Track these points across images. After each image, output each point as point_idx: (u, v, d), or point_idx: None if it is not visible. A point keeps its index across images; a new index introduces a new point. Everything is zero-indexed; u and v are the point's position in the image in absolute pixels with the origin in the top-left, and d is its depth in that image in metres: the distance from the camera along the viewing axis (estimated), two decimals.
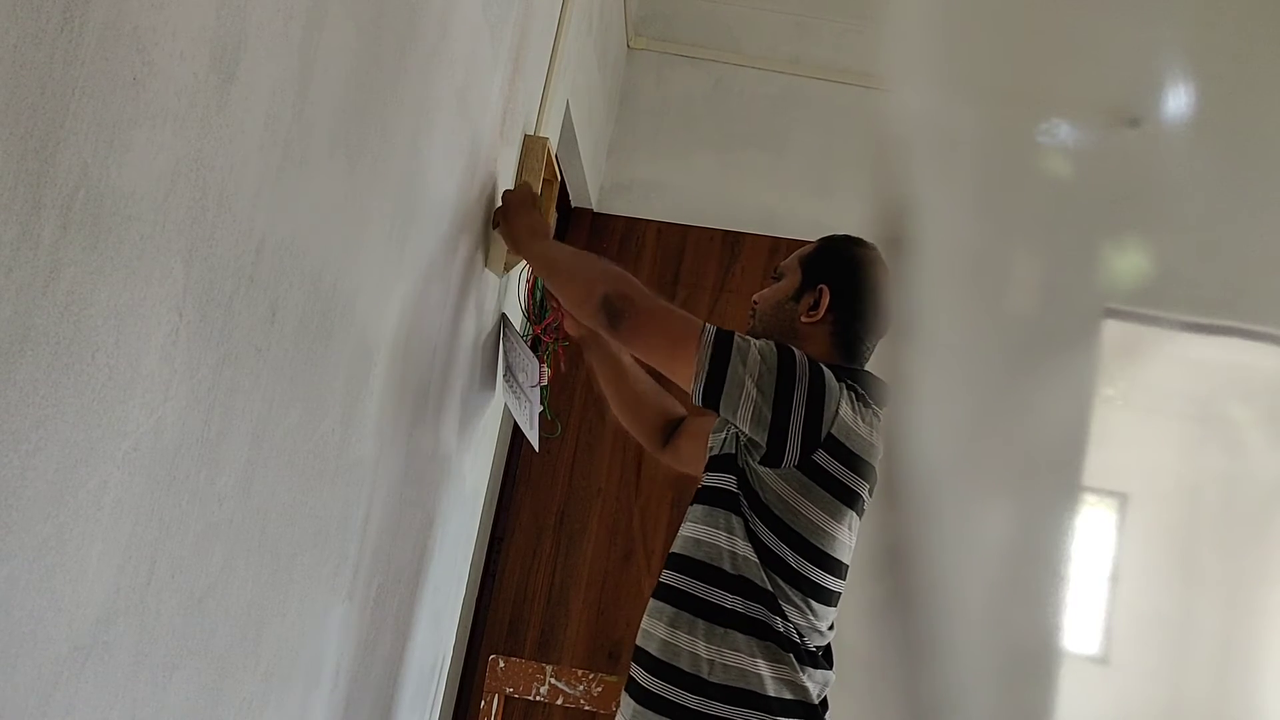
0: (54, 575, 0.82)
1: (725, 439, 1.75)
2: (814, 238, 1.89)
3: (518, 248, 1.98)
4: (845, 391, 1.66)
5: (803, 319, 1.80)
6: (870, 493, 1.67)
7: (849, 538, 1.68)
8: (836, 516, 1.65)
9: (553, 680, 2.31)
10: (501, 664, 2.33)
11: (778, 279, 1.88)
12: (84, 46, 0.75)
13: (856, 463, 1.65)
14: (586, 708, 2.31)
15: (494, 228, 2.00)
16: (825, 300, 1.78)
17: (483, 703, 2.32)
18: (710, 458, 1.76)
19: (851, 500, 1.66)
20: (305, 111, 1.12)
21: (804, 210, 3.69)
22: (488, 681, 2.33)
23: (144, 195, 0.86)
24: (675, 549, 1.74)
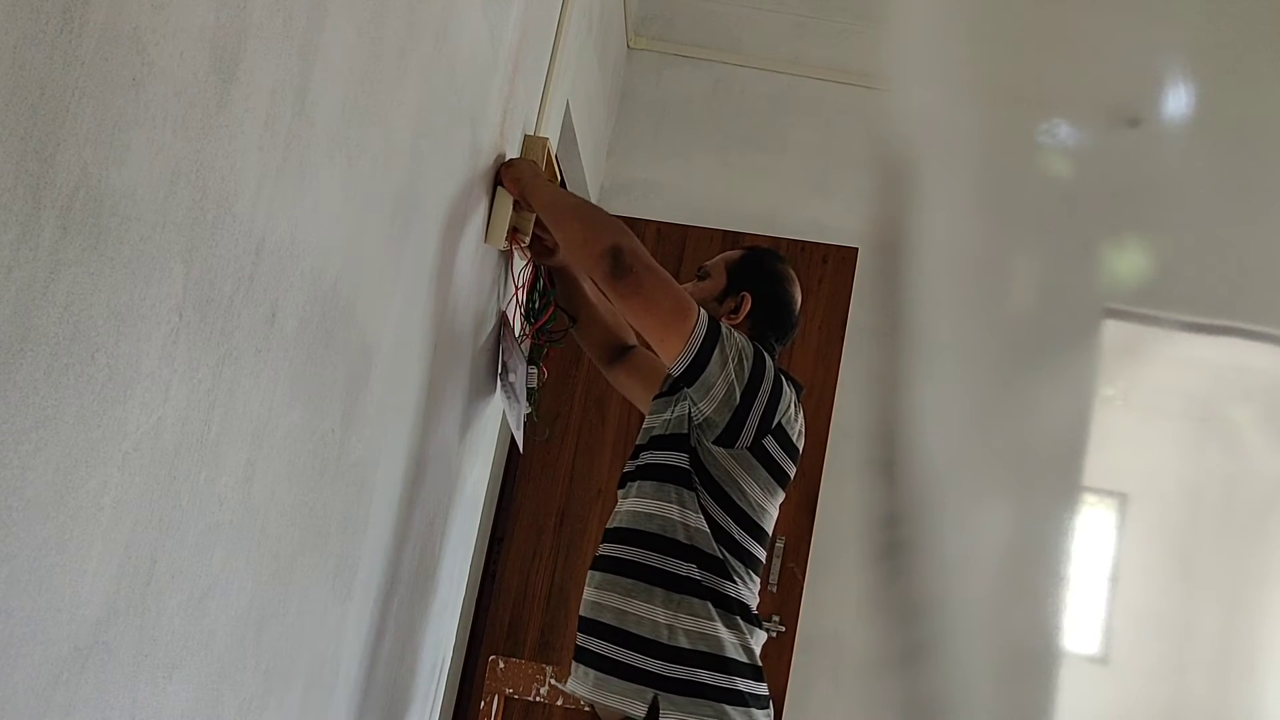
0: (54, 575, 0.82)
1: (670, 420, 1.87)
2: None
3: (523, 187, 1.98)
4: (792, 393, 1.88)
5: (723, 320, 1.92)
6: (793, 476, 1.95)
7: (776, 513, 1.90)
8: (773, 495, 1.85)
9: (553, 681, 2.31)
10: (501, 664, 2.34)
11: (702, 278, 2.01)
12: (84, 47, 0.75)
13: (793, 451, 1.87)
14: (586, 708, 2.31)
15: (497, 184, 2.00)
16: (746, 307, 1.95)
17: (483, 703, 2.32)
18: (654, 437, 1.89)
19: (785, 482, 1.88)
20: (305, 111, 1.12)
21: (804, 210, 3.69)
22: (488, 682, 2.33)
23: (144, 195, 0.86)
24: (621, 524, 1.86)
